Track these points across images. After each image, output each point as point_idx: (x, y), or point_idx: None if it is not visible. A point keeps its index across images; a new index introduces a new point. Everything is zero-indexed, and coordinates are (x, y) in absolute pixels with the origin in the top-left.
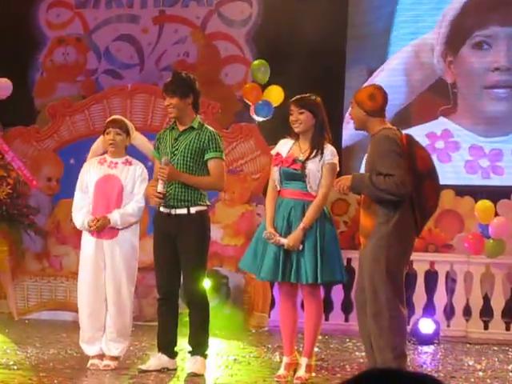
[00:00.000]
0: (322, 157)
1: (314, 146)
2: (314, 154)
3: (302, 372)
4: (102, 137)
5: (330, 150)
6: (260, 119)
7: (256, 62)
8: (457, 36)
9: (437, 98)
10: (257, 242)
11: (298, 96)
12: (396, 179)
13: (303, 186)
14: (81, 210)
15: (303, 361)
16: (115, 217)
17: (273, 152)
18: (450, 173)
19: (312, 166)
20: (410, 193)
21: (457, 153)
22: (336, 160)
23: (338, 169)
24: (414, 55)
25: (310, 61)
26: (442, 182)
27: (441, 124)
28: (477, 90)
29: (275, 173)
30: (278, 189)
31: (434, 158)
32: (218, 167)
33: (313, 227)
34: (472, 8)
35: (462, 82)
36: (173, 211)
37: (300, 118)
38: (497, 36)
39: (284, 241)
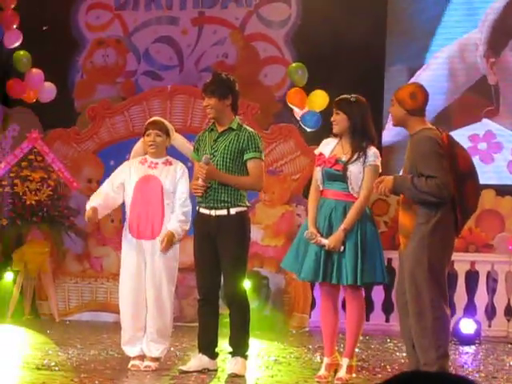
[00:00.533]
0: (364, 158)
1: (356, 148)
2: (355, 156)
3: (342, 373)
4: (143, 138)
5: (372, 151)
6: (308, 129)
7: (293, 64)
8: (499, 37)
9: (480, 99)
10: (299, 242)
11: (341, 96)
12: (438, 181)
13: (345, 187)
14: (97, 196)
15: (344, 361)
16: (176, 227)
17: (316, 152)
18: (491, 173)
19: (354, 168)
20: (452, 195)
21: (499, 154)
22: (379, 162)
23: (380, 171)
24: (459, 54)
25: (350, 61)
26: (483, 181)
27: (483, 126)
28: None
29: (318, 173)
30: (321, 189)
31: (477, 159)
32: (257, 167)
33: (354, 228)
34: None
35: (504, 84)
36: (213, 212)
37: (336, 119)
38: None
39: (325, 241)
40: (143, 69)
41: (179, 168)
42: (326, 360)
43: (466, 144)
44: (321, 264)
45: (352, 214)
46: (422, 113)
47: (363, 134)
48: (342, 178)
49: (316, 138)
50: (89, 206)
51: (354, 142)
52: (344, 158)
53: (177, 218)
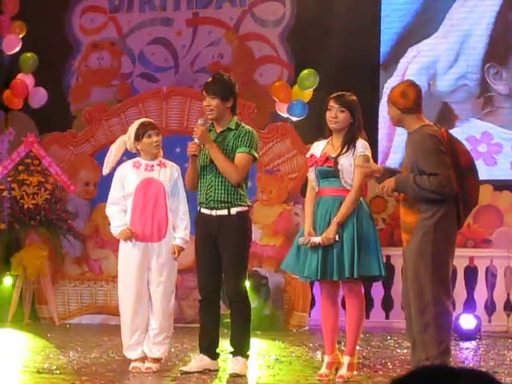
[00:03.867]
0: (354, 151)
1: (346, 142)
2: (345, 148)
3: (344, 370)
4: (122, 139)
5: (361, 143)
6: (294, 119)
7: (305, 71)
8: (506, 47)
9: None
10: (298, 243)
11: (339, 93)
12: (440, 179)
13: (339, 183)
14: (114, 222)
15: (345, 359)
16: (184, 239)
17: (307, 155)
18: (495, 171)
19: (345, 161)
20: (455, 191)
21: (500, 154)
22: (368, 152)
23: (370, 161)
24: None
25: (344, 60)
26: (482, 177)
27: (478, 127)
28: None
29: (311, 173)
30: (317, 189)
31: (480, 161)
32: (241, 160)
33: (350, 223)
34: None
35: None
36: (214, 212)
37: (339, 116)
38: None
39: (318, 239)
40: (138, 71)
41: (175, 169)
42: (326, 358)
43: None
44: (323, 263)
45: (345, 206)
46: (417, 110)
47: (358, 131)
48: (334, 173)
49: (313, 137)
50: (119, 228)
51: (348, 137)
52: (334, 155)
53: (183, 230)
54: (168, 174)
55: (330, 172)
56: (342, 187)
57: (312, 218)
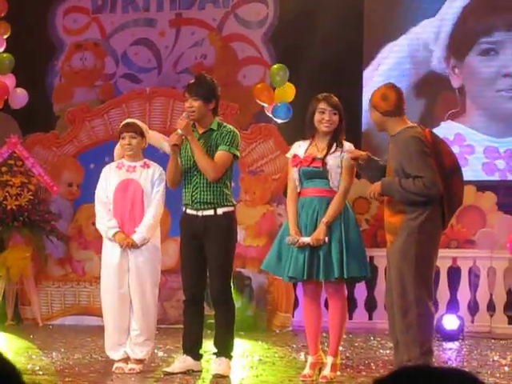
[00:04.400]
0: (341, 152)
1: (333, 141)
2: (333, 149)
3: (327, 371)
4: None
5: (348, 145)
6: (279, 121)
7: (275, 66)
8: (460, 41)
9: (441, 101)
10: (280, 243)
11: (326, 94)
12: (425, 181)
13: (325, 183)
14: (105, 222)
15: (329, 360)
16: (140, 236)
17: (288, 155)
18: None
19: (332, 162)
20: (440, 193)
21: (473, 155)
22: None
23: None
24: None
25: (328, 60)
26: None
27: (451, 128)
28: (488, 94)
29: (294, 173)
30: (299, 190)
31: None
32: (221, 157)
33: (338, 223)
34: (474, 13)
35: (470, 87)
36: (200, 213)
37: (333, 119)
38: (503, 42)
39: (307, 239)
40: (122, 71)
41: (157, 170)
42: (310, 359)
43: None
44: (309, 262)
45: (333, 207)
46: (399, 112)
47: (343, 132)
48: (322, 174)
49: (296, 138)
50: (112, 231)
51: (334, 139)
52: (320, 156)
53: (146, 223)
54: (150, 174)
55: (316, 173)
56: (328, 188)
57: (296, 218)
